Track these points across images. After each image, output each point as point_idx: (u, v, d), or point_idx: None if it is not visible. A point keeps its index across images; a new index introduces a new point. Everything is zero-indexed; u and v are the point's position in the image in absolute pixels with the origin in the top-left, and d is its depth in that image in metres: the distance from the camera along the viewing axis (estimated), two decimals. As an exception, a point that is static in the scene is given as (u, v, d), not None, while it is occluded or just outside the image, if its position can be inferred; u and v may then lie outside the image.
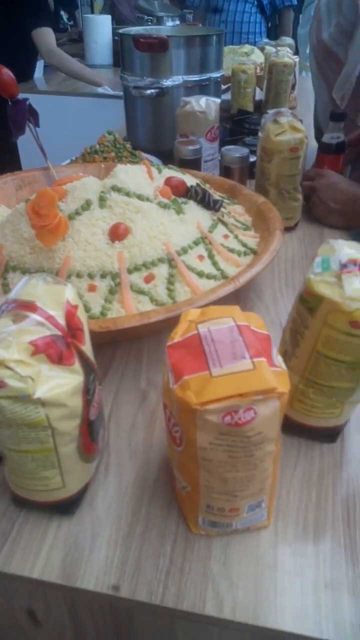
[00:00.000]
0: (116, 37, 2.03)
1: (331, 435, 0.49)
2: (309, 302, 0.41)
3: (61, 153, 1.08)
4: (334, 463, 0.47)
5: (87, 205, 0.60)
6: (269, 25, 2.68)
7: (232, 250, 0.66)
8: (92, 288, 0.57)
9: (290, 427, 0.47)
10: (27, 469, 0.39)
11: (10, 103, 0.68)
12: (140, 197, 0.62)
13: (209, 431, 0.33)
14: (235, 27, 2.56)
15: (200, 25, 2.50)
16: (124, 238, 0.59)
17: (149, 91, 1.11)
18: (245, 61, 1.45)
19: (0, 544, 0.40)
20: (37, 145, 0.75)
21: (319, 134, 1.26)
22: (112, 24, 2.70)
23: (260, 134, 0.83)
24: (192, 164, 0.93)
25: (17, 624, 0.47)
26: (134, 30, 1.21)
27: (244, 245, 0.68)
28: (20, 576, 0.39)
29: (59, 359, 0.36)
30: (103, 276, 0.57)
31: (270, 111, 0.82)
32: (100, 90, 2.20)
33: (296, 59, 1.52)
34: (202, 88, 1.13)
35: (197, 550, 0.40)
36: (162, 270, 0.58)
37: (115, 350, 0.61)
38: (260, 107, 1.51)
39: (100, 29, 2.67)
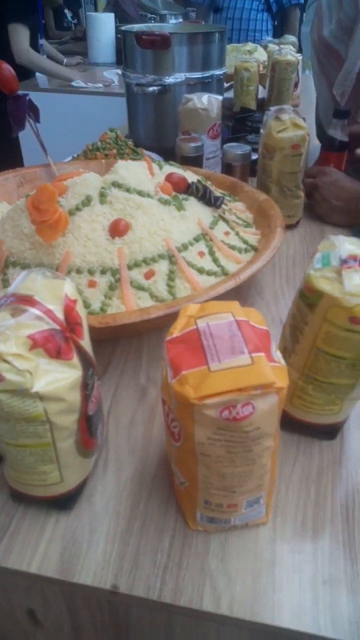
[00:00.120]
0: (119, 35, 2.04)
1: (330, 432, 0.48)
2: (308, 298, 0.41)
3: (63, 150, 1.08)
4: (333, 460, 0.47)
5: (87, 201, 0.60)
6: (275, 23, 2.67)
7: (232, 247, 0.66)
8: (92, 284, 0.56)
9: (290, 424, 0.47)
10: (25, 463, 0.39)
11: (10, 99, 0.68)
12: (140, 193, 0.62)
13: (207, 426, 0.33)
14: (242, 25, 2.55)
15: (203, 22, 2.50)
16: (124, 234, 0.59)
17: (151, 88, 1.11)
18: (248, 59, 1.44)
19: (-2, 539, 0.40)
20: (37, 141, 0.75)
21: (320, 132, 1.25)
22: (115, 22, 2.71)
23: (262, 131, 0.82)
24: (193, 161, 0.92)
25: (18, 624, 0.47)
26: (137, 27, 1.20)
27: (245, 242, 0.68)
28: (18, 571, 0.39)
29: (57, 353, 0.36)
30: (103, 272, 0.57)
31: (273, 108, 0.82)
32: (73, 84, 2.23)
33: (299, 56, 1.51)
34: (204, 85, 1.13)
35: (195, 546, 0.40)
36: (162, 267, 0.58)
37: (115, 347, 0.61)
38: (263, 105, 1.50)
39: (103, 27, 2.67)
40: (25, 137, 0.82)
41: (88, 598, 0.41)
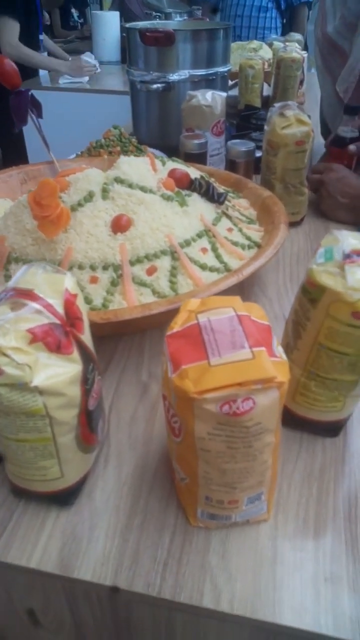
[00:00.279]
0: (124, 34, 2.04)
1: (333, 429, 0.48)
2: (311, 293, 0.40)
3: (67, 148, 1.08)
4: (336, 457, 0.46)
5: (89, 197, 0.60)
6: (284, 21, 2.66)
7: (235, 244, 0.65)
8: (94, 280, 0.56)
9: (292, 421, 0.47)
10: (25, 458, 0.39)
11: (12, 94, 0.68)
12: (143, 189, 0.62)
13: (207, 421, 0.33)
14: (252, 22, 2.54)
15: (208, 20, 2.49)
16: (127, 230, 0.58)
17: (155, 86, 1.11)
18: (253, 56, 1.44)
19: (-1, 534, 0.40)
20: (40, 137, 0.75)
21: (324, 129, 1.25)
22: (121, 21, 2.70)
23: (266, 127, 0.82)
24: (197, 158, 0.92)
25: (18, 624, 0.47)
26: (141, 24, 1.20)
27: (248, 238, 0.68)
28: (17, 566, 0.38)
29: (57, 348, 0.36)
30: (105, 268, 0.57)
31: (277, 104, 0.81)
32: (61, 82, 2.25)
33: (305, 54, 1.50)
34: (208, 82, 1.13)
35: (195, 542, 0.39)
36: (164, 263, 0.58)
37: (118, 343, 0.60)
38: (268, 103, 1.50)
39: (109, 25, 2.67)
40: (30, 135, 0.82)
41: (88, 594, 0.41)
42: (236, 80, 1.48)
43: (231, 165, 0.93)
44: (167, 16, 2.45)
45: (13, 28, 2.01)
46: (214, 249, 0.63)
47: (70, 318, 0.37)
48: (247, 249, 0.66)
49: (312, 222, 0.90)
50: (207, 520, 0.40)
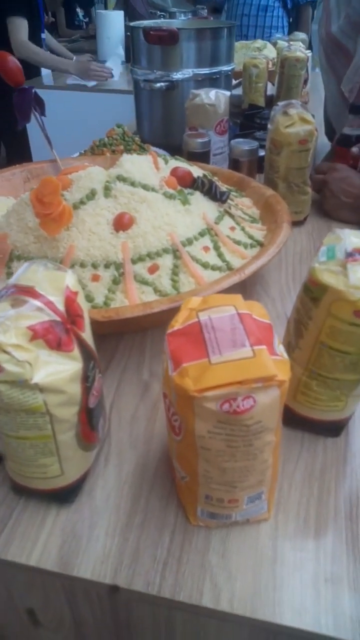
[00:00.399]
0: (128, 33, 2.04)
1: (335, 429, 0.48)
2: (313, 292, 0.40)
3: (71, 147, 1.08)
4: (337, 457, 0.46)
5: (91, 195, 0.60)
6: (290, 20, 2.66)
7: (238, 242, 0.65)
8: (95, 278, 0.56)
9: (293, 420, 0.47)
10: (26, 455, 0.39)
11: (16, 91, 0.68)
12: (145, 187, 0.62)
13: (207, 419, 0.32)
14: (258, 21, 2.54)
15: (212, 18, 2.49)
16: (129, 228, 0.58)
17: (158, 84, 1.11)
18: (257, 56, 1.43)
19: (-2, 531, 0.40)
20: (43, 135, 0.75)
21: (328, 128, 1.24)
22: (125, 20, 2.70)
23: (269, 126, 0.82)
24: (200, 157, 0.92)
25: (18, 623, 0.47)
26: (145, 23, 1.20)
27: (251, 237, 0.67)
28: (17, 563, 0.38)
29: (57, 345, 0.35)
30: (107, 266, 0.57)
31: (280, 103, 0.81)
32: (68, 81, 2.25)
33: (309, 53, 1.50)
34: (212, 81, 1.12)
35: (195, 541, 0.39)
36: (166, 261, 0.58)
37: (119, 342, 0.60)
38: (271, 102, 1.49)
39: (113, 24, 2.67)
40: (34, 133, 0.82)
41: (88, 592, 0.41)
42: (240, 80, 1.48)
43: (234, 164, 0.93)
44: (172, 15, 2.45)
45: (22, 27, 2.02)
46: (216, 248, 0.62)
47: (71, 315, 0.37)
48: (250, 248, 0.66)
49: (315, 221, 0.90)
50: (207, 519, 0.40)
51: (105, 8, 4.00)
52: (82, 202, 0.59)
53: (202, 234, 0.62)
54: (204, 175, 0.70)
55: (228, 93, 0.99)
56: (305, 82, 1.54)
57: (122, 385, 0.54)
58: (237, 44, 1.86)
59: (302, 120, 0.78)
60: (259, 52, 1.75)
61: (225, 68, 1.14)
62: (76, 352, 0.37)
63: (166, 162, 0.70)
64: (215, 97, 0.95)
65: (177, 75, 1.09)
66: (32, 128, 0.82)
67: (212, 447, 0.34)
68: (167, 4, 2.54)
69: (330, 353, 0.41)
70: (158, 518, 0.41)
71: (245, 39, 2.26)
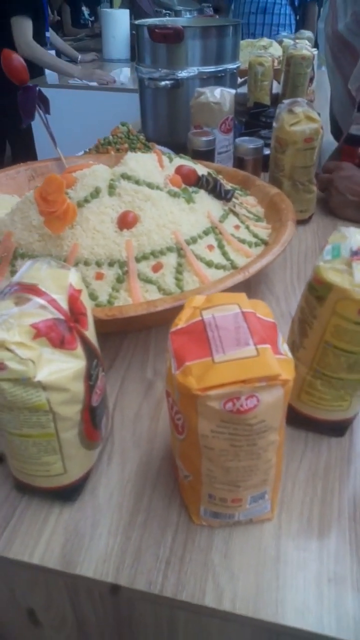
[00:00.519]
0: (134, 32, 2.04)
1: (339, 428, 0.47)
2: (317, 290, 0.40)
3: (76, 145, 1.08)
4: (341, 457, 0.46)
5: (96, 193, 0.60)
6: (297, 17, 2.65)
7: (242, 241, 0.65)
8: (99, 276, 0.56)
9: (297, 420, 0.46)
10: (29, 453, 0.39)
11: (20, 89, 0.68)
12: (150, 186, 0.61)
13: (210, 418, 0.32)
14: (266, 19, 2.54)
15: (217, 17, 2.48)
16: (133, 226, 0.58)
17: (163, 83, 1.10)
18: (262, 54, 1.43)
19: (1, 529, 0.40)
20: (47, 133, 0.75)
21: (334, 127, 1.24)
22: (131, 19, 2.70)
23: (274, 124, 0.81)
24: (205, 155, 0.92)
25: (18, 623, 0.47)
26: (150, 21, 1.20)
27: (255, 236, 0.67)
28: (19, 561, 0.38)
29: (60, 343, 0.35)
30: (111, 264, 0.57)
31: (286, 101, 0.81)
32: (71, 81, 2.26)
33: (315, 51, 1.49)
34: (217, 79, 1.12)
35: (198, 541, 0.39)
36: (170, 260, 0.58)
37: (123, 340, 0.60)
38: (277, 101, 1.49)
39: (118, 23, 2.67)
40: (39, 131, 0.82)
41: (90, 591, 0.41)
42: (245, 78, 1.47)
43: (239, 163, 0.93)
44: (177, 13, 2.45)
45: (27, 27, 2.02)
46: (221, 246, 0.62)
47: (75, 313, 0.37)
48: (254, 247, 0.65)
49: (321, 220, 0.90)
50: (210, 518, 0.39)
51: (111, 7, 4.00)
52: (86, 200, 0.59)
53: (206, 233, 0.62)
54: (209, 174, 0.70)
55: (233, 91, 0.99)
56: (311, 80, 1.53)
57: (126, 383, 0.54)
58: (243, 42, 1.85)
59: (308, 118, 0.78)
60: (265, 50, 1.74)
61: (230, 66, 1.14)
62: (79, 350, 0.37)
63: (170, 160, 0.70)
64: (221, 96, 0.95)
65: (182, 74, 1.09)
66: (37, 126, 0.82)
67: (215, 447, 0.34)
68: (173, 2, 2.54)
69: (335, 352, 0.41)
70: (161, 517, 0.41)
71: (253, 37, 2.25)
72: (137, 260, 0.57)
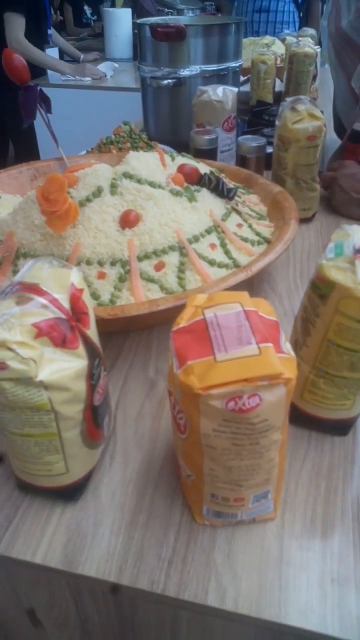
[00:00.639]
0: (136, 31, 2.04)
1: (343, 427, 0.47)
2: (320, 289, 0.40)
3: (78, 145, 1.08)
4: (345, 456, 0.45)
5: (98, 192, 0.59)
6: (301, 15, 2.64)
7: (245, 240, 0.65)
8: (101, 275, 0.56)
9: (300, 419, 0.46)
10: (31, 453, 0.39)
11: (21, 89, 0.68)
12: (152, 184, 0.61)
13: (212, 417, 0.32)
14: (270, 17, 2.53)
15: (220, 15, 2.48)
16: (135, 225, 0.58)
17: (166, 81, 1.10)
18: (265, 52, 1.42)
19: (4, 529, 0.40)
20: (48, 132, 0.74)
21: (338, 125, 1.23)
22: (133, 18, 2.70)
23: (277, 122, 0.81)
24: (207, 154, 0.91)
25: (22, 621, 0.47)
26: (152, 20, 1.20)
27: (258, 234, 0.67)
28: (22, 561, 0.38)
29: (62, 342, 0.35)
30: (113, 263, 0.57)
31: (289, 99, 0.80)
32: (62, 78, 2.26)
33: (318, 49, 1.48)
34: (220, 78, 1.12)
35: (200, 540, 0.39)
36: (172, 259, 0.58)
37: (125, 339, 0.60)
38: (280, 99, 1.48)
39: (121, 22, 2.67)
40: (41, 131, 0.82)
41: (93, 590, 0.40)
42: (248, 76, 1.47)
43: (242, 161, 0.93)
44: (180, 12, 2.44)
45: (19, 24, 2.01)
46: (223, 245, 0.62)
47: (76, 313, 0.37)
48: (257, 245, 0.65)
49: (324, 218, 0.89)
50: (213, 518, 0.39)
51: (114, 5, 4.00)
52: (88, 200, 0.59)
53: (208, 231, 0.62)
54: (211, 172, 0.70)
55: (236, 89, 0.99)
56: (314, 78, 1.52)
57: (128, 382, 0.54)
58: (245, 40, 1.85)
59: (311, 116, 0.78)
60: (268, 48, 1.74)
61: (233, 64, 1.13)
62: (81, 349, 0.36)
63: (173, 159, 0.70)
64: (223, 94, 0.95)
65: (185, 72, 1.09)
66: (40, 126, 0.82)
67: (217, 446, 0.34)
68: (175, 1, 2.53)
69: (338, 351, 0.40)
70: (163, 516, 0.41)
71: (257, 35, 2.25)
72: (139, 259, 0.57)
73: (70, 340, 0.36)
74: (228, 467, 0.35)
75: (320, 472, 0.44)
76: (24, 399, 0.34)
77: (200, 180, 0.67)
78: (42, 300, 0.35)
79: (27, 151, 2.15)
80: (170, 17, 1.75)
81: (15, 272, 0.59)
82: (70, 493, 0.42)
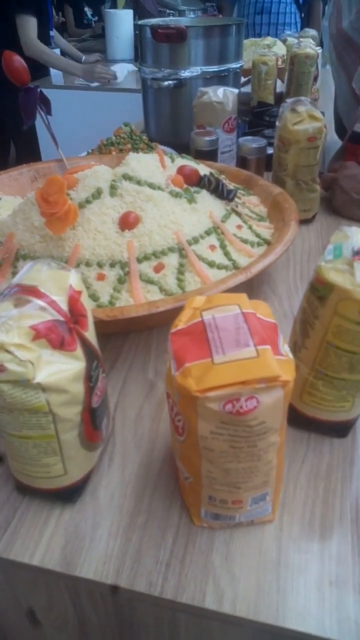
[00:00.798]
0: (137, 32, 2.03)
1: (342, 429, 0.47)
2: (319, 291, 0.40)
3: (79, 146, 1.08)
4: (344, 458, 0.45)
5: (97, 194, 0.60)
6: (302, 16, 2.64)
7: (245, 241, 0.65)
8: (101, 277, 0.56)
9: (299, 421, 0.46)
10: (29, 455, 0.39)
11: (21, 91, 0.68)
12: (151, 186, 0.61)
13: (209, 420, 0.32)
14: (272, 19, 2.52)
15: (221, 16, 2.48)
16: (134, 227, 0.58)
17: (166, 83, 1.10)
18: (266, 53, 1.43)
19: (2, 530, 0.40)
20: (48, 134, 0.75)
21: (339, 125, 1.23)
22: (135, 19, 2.70)
23: (277, 123, 0.81)
24: (208, 155, 0.91)
25: (21, 622, 0.47)
26: (153, 21, 1.20)
27: (258, 235, 0.67)
28: (20, 563, 0.38)
29: (60, 345, 0.35)
30: (112, 265, 0.57)
31: (289, 100, 0.80)
32: (76, 81, 2.26)
33: (319, 50, 1.48)
34: (220, 79, 1.12)
35: (198, 542, 0.39)
36: (172, 260, 0.58)
37: (124, 341, 0.60)
38: (281, 100, 1.48)
39: (122, 23, 2.67)
40: (43, 133, 0.82)
41: (91, 592, 0.40)
42: (249, 77, 1.47)
43: (242, 162, 0.93)
44: (181, 13, 2.44)
45: (32, 25, 2.01)
46: (223, 247, 0.62)
47: (74, 315, 0.37)
48: (257, 247, 0.65)
49: (324, 219, 0.89)
50: (211, 520, 0.39)
51: (115, 7, 4.00)
52: (87, 201, 0.59)
53: (208, 233, 0.62)
54: (211, 174, 0.70)
55: (236, 91, 0.99)
56: (315, 79, 1.53)
57: (127, 384, 0.54)
58: (247, 42, 1.85)
59: (311, 117, 0.77)
60: (269, 49, 1.74)
61: (233, 65, 1.13)
62: (79, 351, 0.36)
63: (172, 160, 0.70)
64: (223, 95, 0.95)
65: (185, 73, 1.09)
66: (41, 127, 0.82)
67: (215, 448, 0.34)
68: (177, 2, 2.54)
69: (337, 353, 0.40)
70: (161, 518, 0.41)
71: (259, 37, 2.24)
72: (139, 260, 0.57)
73: (68, 343, 0.36)
74: (226, 470, 0.35)
75: (319, 474, 0.44)
76: (22, 401, 0.34)
77: (200, 182, 0.67)
78: (40, 302, 0.35)
79: (29, 152, 2.15)
80: (171, 18, 1.74)
81: (14, 273, 0.59)
82: (69, 495, 0.42)
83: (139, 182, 0.61)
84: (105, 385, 0.43)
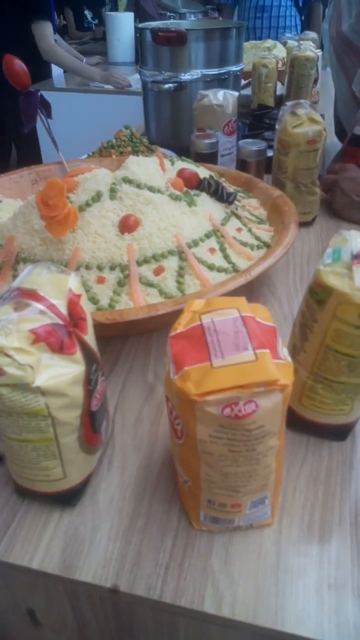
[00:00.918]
0: (138, 35, 2.03)
1: (341, 432, 0.47)
2: (318, 294, 0.40)
3: (80, 149, 1.09)
4: (343, 462, 0.45)
5: (97, 197, 0.60)
6: (302, 18, 2.65)
7: (245, 244, 0.65)
8: (100, 280, 0.56)
9: (299, 424, 0.46)
10: (28, 458, 0.39)
11: (22, 95, 0.69)
12: (151, 189, 0.61)
13: (208, 423, 0.32)
14: (272, 22, 2.53)
15: (221, 19, 2.48)
16: (134, 230, 0.58)
17: (167, 85, 1.10)
18: (266, 55, 1.43)
19: (1, 534, 0.40)
20: (49, 138, 0.75)
21: (339, 128, 1.23)
22: (135, 22, 2.71)
23: (277, 126, 0.81)
24: (208, 157, 0.91)
25: (19, 624, 0.47)
26: (154, 24, 1.20)
27: (258, 238, 0.67)
28: (19, 566, 0.38)
29: (59, 348, 0.35)
30: (112, 268, 0.57)
31: (289, 103, 0.81)
32: (91, 85, 2.25)
33: (319, 52, 1.49)
34: (221, 82, 1.12)
35: (197, 546, 0.39)
36: (171, 263, 0.58)
37: (124, 344, 0.60)
38: (281, 102, 1.49)
39: (123, 26, 2.68)
40: (44, 136, 0.82)
41: (91, 595, 0.40)
42: (249, 80, 1.47)
43: (242, 165, 0.93)
44: (181, 16, 2.45)
45: (49, 31, 2.00)
46: (222, 249, 0.62)
47: (74, 318, 0.37)
48: (256, 249, 0.65)
49: (324, 222, 0.89)
50: (210, 523, 0.39)
51: (116, 9, 4.01)
52: (87, 204, 0.59)
53: (208, 236, 0.62)
54: (211, 177, 0.70)
55: (236, 93, 0.99)
56: (316, 81, 1.53)
57: (127, 387, 0.54)
58: (247, 44, 1.85)
59: (311, 120, 0.78)
60: (269, 52, 1.74)
61: (234, 68, 1.13)
62: (78, 355, 0.37)
63: (172, 163, 0.70)
64: (224, 98, 0.95)
65: (186, 76, 1.09)
66: (42, 130, 0.82)
67: (214, 452, 0.34)
68: (177, 5, 2.54)
69: (336, 356, 0.40)
70: (160, 522, 0.41)
71: (259, 40, 2.25)
72: (139, 263, 0.57)
73: (68, 346, 0.36)
74: (224, 473, 0.35)
75: (318, 477, 0.44)
76: (21, 405, 0.35)
77: (199, 185, 0.67)
78: (39, 306, 0.36)
79: (30, 154, 2.16)
80: (171, 21, 1.75)
81: (15, 276, 0.59)
82: (68, 498, 0.42)
83: (138, 185, 0.61)
84: (105, 388, 0.43)
